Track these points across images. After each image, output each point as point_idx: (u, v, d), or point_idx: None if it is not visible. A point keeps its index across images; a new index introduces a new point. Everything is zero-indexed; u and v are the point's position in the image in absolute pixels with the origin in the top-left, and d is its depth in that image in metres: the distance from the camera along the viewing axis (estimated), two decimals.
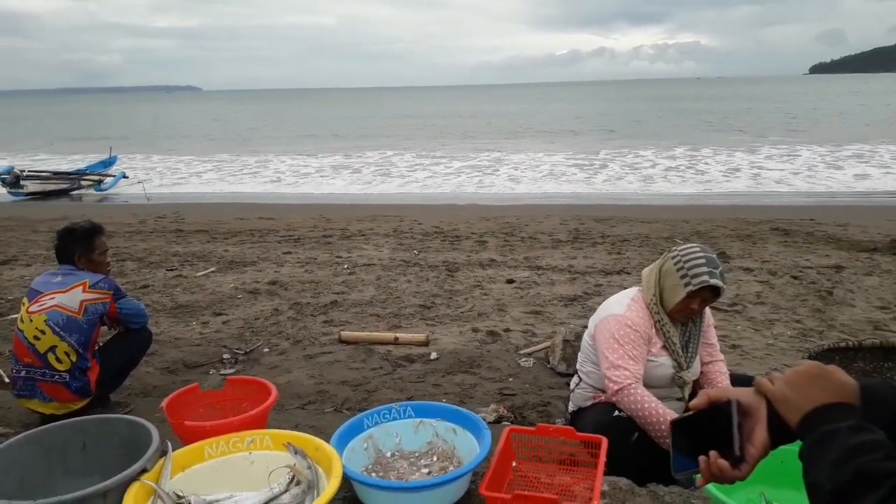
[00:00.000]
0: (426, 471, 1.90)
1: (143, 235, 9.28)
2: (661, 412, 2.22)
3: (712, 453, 0.97)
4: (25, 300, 3.27)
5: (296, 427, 2.65)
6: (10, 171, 14.96)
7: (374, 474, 1.89)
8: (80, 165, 18.43)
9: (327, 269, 7.02)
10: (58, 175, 16.12)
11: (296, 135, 32.92)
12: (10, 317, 5.23)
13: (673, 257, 2.43)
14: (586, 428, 2.06)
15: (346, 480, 1.67)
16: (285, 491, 1.59)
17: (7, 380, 3.70)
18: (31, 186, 14.90)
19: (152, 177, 18.40)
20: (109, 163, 17.84)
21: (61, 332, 3.15)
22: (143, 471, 1.55)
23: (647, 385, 2.37)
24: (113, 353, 3.44)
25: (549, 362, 4.18)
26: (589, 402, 2.56)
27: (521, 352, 4.47)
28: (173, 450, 1.67)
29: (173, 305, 5.77)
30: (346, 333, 4.79)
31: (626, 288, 2.71)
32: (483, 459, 1.79)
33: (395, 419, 2.05)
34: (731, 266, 6.59)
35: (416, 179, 17.15)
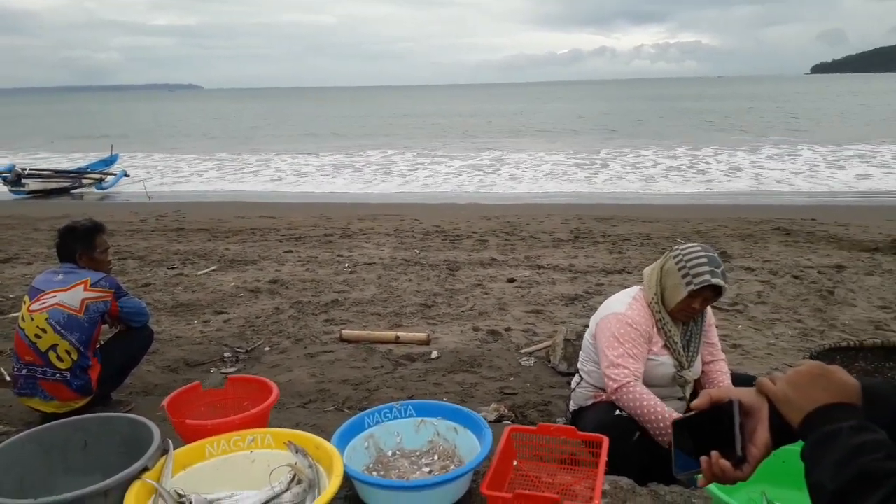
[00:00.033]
0: (427, 470, 1.90)
1: (145, 234, 9.28)
2: (659, 410, 2.22)
3: (714, 454, 0.97)
4: (27, 298, 3.27)
5: (297, 426, 2.65)
6: (11, 169, 14.99)
7: (375, 473, 1.89)
8: (82, 164, 18.45)
9: (328, 267, 7.03)
10: (59, 173, 16.13)
11: (296, 133, 32.94)
12: (11, 315, 5.24)
13: (675, 256, 2.43)
14: (587, 427, 2.06)
15: (347, 479, 1.67)
16: (286, 490, 1.59)
17: (8, 378, 3.70)
18: (33, 185, 14.92)
19: (153, 175, 18.41)
20: (110, 161, 17.85)
21: (62, 331, 3.15)
22: (145, 469, 1.55)
23: (649, 384, 2.37)
24: (114, 352, 3.44)
25: (549, 361, 4.18)
26: (590, 402, 2.56)
27: (522, 351, 4.47)
28: (174, 448, 1.67)
29: (174, 304, 5.78)
30: (347, 332, 4.79)
31: (627, 287, 2.71)
32: (484, 458, 1.79)
33: (396, 418, 2.05)
34: (733, 265, 6.59)
35: (417, 178, 17.15)
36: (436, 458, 1.96)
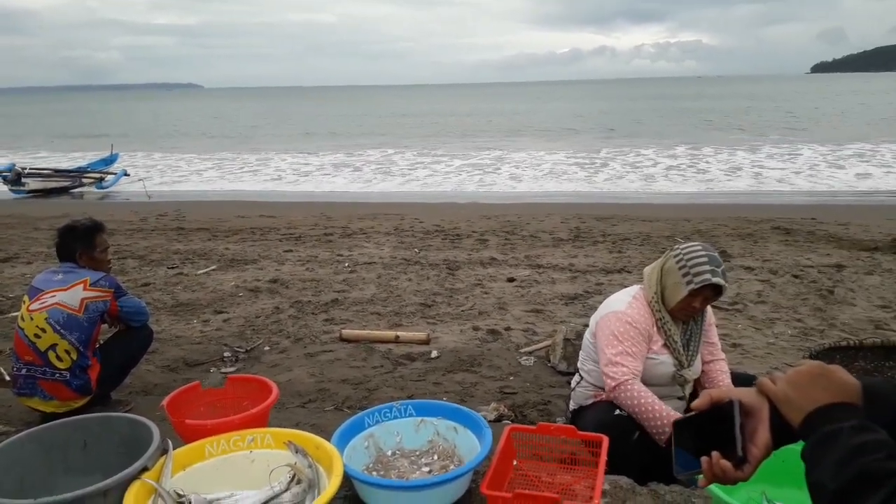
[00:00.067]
0: (427, 469, 1.90)
1: (144, 233, 9.28)
2: (657, 408, 2.22)
3: (714, 454, 0.97)
4: (26, 298, 3.27)
5: (296, 425, 2.65)
6: (11, 168, 14.99)
7: (374, 473, 1.89)
8: (81, 163, 18.44)
9: (328, 267, 7.02)
10: (59, 173, 16.13)
11: (296, 133, 32.93)
12: (10, 314, 5.24)
13: (675, 255, 2.43)
14: (587, 426, 2.05)
15: (347, 479, 1.67)
16: (286, 490, 1.59)
17: (8, 378, 3.70)
18: (33, 184, 14.91)
19: (153, 174, 18.39)
20: (110, 160, 17.85)
21: (62, 330, 3.15)
22: (144, 469, 1.55)
23: (648, 383, 2.37)
24: (114, 351, 3.44)
25: (549, 361, 4.18)
26: (590, 401, 2.56)
27: (522, 350, 4.47)
28: (174, 448, 1.67)
29: (174, 303, 5.78)
30: (346, 332, 4.79)
31: (627, 286, 2.71)
32: (484, 458, 1.79)
33: (395, 418, 2.04)
34: (733, 265, 6.59)
35: (417, 178, 17.15)
36: (435, 457, 1.95)
